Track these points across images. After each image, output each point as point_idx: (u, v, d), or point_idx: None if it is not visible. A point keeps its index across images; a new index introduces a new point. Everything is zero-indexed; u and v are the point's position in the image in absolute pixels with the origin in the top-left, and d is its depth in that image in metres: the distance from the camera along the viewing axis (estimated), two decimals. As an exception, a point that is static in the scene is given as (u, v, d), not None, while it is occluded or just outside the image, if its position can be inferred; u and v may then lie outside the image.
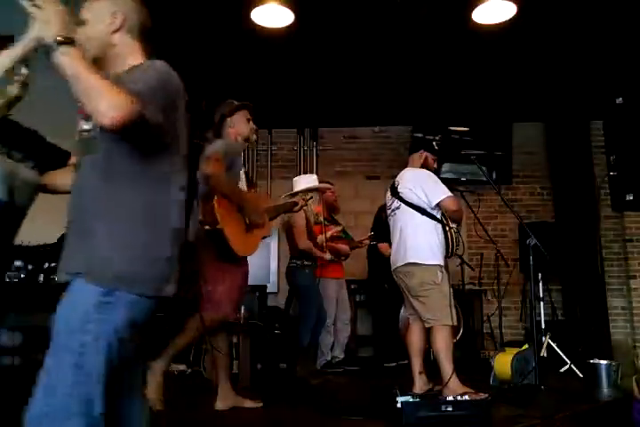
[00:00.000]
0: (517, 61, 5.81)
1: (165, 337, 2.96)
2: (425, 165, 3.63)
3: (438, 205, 3.39)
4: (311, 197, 3.77)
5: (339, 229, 4.79)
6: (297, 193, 4.27)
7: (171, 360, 3.05)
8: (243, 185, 3.22)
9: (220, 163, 2.92)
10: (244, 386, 3.70)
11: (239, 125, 3.21)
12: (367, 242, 5.13)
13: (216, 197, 2.89)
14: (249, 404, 3.17)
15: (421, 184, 3.43)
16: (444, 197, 3.37)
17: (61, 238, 5.35)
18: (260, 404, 3.19)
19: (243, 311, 4.31)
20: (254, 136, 3.30)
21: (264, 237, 3.24)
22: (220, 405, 3.11)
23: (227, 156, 3.01)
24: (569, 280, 6.23)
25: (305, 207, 4.23)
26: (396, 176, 3.68)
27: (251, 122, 3.25)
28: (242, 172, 3.24)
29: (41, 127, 2.13)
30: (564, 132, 6.42)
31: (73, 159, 1.93)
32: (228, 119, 3.21)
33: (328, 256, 4.39)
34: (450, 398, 2.79)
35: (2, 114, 1.73)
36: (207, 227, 2.89)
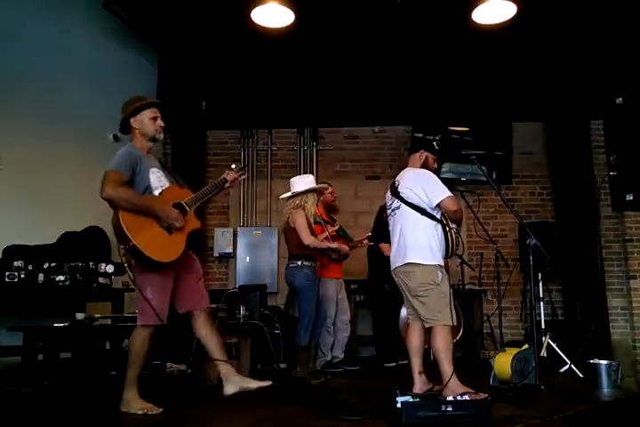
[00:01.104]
0: (517, 61, 5.83)
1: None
2: (425, 165, 3.62)
3: (439, 206, 3.39)
4: (243, 168, 3.55)
5: (335, 228, 4.78)
6: (296, 195, 4.26)
7: (137, 383, 2.97)
8: (164, 183, 3.09)
9: (115, 179, 2.85)
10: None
11: (143, 125, 3.11)
12: (365, 242, 5.13)
13: (120, 214, 2.80)
14: (255, 384, 3.06)
15: (422, 184, 3.43)
16: (444, 196, 3.36)
17: (61, 238, 5.37)
18: (269, 382, 3.07)
19: (243, 311, 4.31)
20: (161, 135, 3.16)
21: (192, 232, 3.08)
22: (229, 389, 3.03)
23: (123, 166, 2.92)
24: (569, 280, 6.24)
25: (305, 205, 4.23)
26: (395, 176, 3.67)
27: (158, 120, 3.13)
28: (156, 170, 3.08)
29: None
30: (564, 132, 6.42)
31: None
32: (131, 119, 3.11)
33: (335, 245, 4.37)
34: (450, 398, 2.79)
35: None
36: (122, 246, 2.82)
